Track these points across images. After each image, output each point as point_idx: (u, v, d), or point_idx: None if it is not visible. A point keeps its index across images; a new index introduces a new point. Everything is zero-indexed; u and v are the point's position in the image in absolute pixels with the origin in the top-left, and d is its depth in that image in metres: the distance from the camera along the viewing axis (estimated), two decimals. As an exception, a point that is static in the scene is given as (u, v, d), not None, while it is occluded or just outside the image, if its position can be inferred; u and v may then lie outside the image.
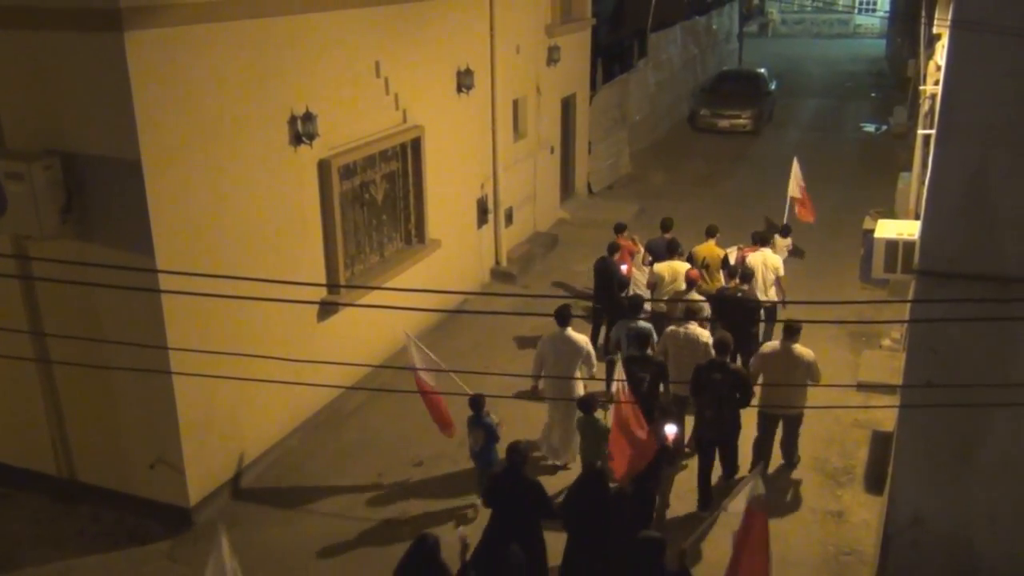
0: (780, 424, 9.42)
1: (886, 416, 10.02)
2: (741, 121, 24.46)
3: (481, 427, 8.60)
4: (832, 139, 24.12)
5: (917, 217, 10.54)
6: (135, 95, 7.63)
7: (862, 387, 11.10)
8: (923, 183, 9.30)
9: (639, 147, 22.34)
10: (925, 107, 12.57)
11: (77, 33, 7.63)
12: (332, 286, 10.39)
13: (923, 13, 14.54)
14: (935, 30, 11.94)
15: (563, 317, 9.44)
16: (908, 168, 14.22)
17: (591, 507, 7.17)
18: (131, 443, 8.80)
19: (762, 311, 11.10)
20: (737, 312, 10.20)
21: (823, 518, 9.00)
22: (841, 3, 44.94)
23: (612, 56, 22.76)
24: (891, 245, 8.77)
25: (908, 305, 8.54)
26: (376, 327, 11.40)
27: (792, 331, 9.10)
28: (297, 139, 9.64)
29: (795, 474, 9.62)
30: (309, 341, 10.15)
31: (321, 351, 10.24)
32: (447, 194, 12.93)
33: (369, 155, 11.06)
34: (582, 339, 9.51)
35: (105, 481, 9.06)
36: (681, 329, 9.56)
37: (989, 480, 6.90)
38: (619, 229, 12.78)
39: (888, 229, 9.15)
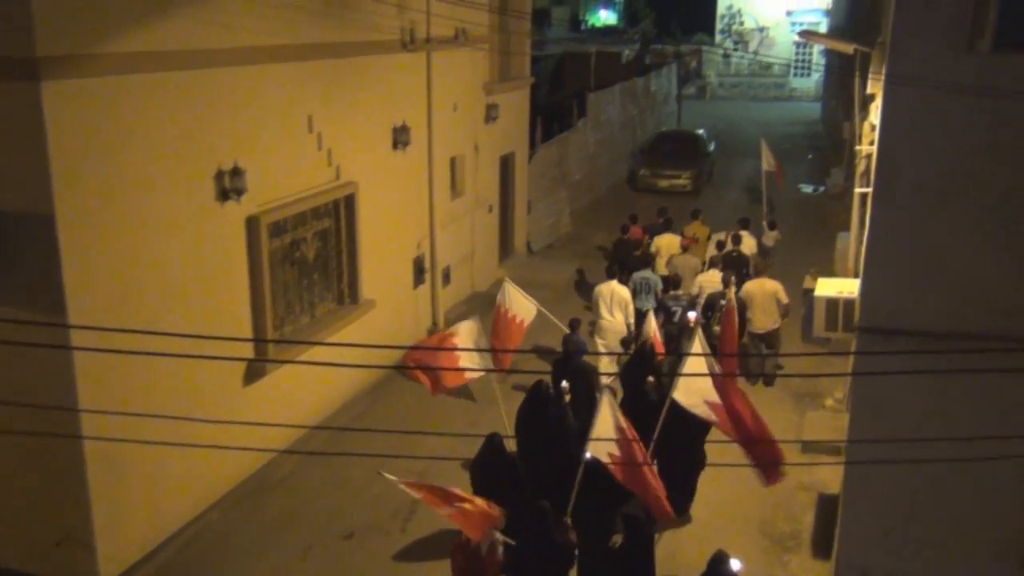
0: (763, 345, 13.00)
1: (832, 479, 10.08)
2: (681, 181, 24.90)
3: (575, 342, 11.18)
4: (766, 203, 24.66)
5: (856, 276, 10.77)
6: (51, 148, 7.50)
7: (806, 447, 11.17)
8: (861, 242, 9.53)
9: (579, 206, 22.59)
10: (861, 167, 12.96)
11: (-10, 82, 7.46)
12: (256, 340, 10.18)
13: (857, 75, 15.09)
14: (869, 90, 12.39)
15: (611, 272, 13.01)
16: (846, 228, 14.58)
17: (643, 375, 10.01)
18: (35, 517, 8.40)
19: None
20: (735, 263, 14.46)
21: (771, 585, 8.95)
22: (776, 68, 46.47)
23: (551, 115, 23.12)
24: (832, 303, 8.93)
25: (852, 364, 8.68)
26: (306, 392, 11.16)
27: (759, 270, 13.44)
28: (224, 195, 9.51)
29: (742, 540, 9.58)
30: (235, 406, 9.88)
31: (248, 417, 9.96)
32: (382, 253, 12.85)
33: (300, 212, 10.96)
34: (624, 290, 12.75)
35: (5, 559, 8.60)
36: (709, 274, 13.71)
37: (936, 539, 6.94)
38: (633, 220, 16.72)
39: (828, 287, 9.33)
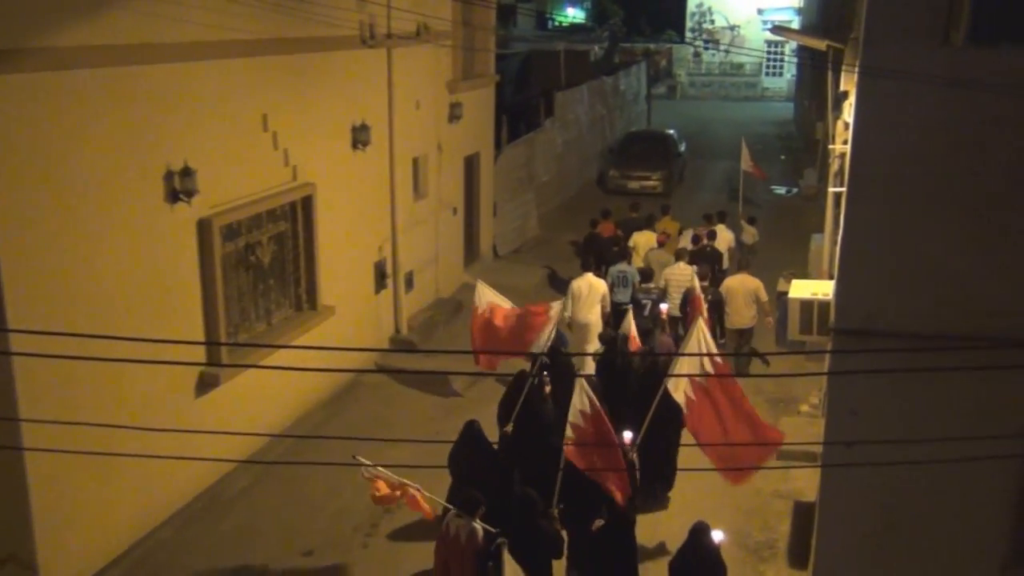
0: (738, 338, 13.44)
1: (807, 486, 10.11)
2: (651, 183, 24.98)
3: (558, 336, 11.54)
4: (743, 201, 24.86)
5: (831, 277, 10.83)
6: (-12, 146, 7.32)
7: (782, 454, 11.17)
8: (835, 243, 9.58)
9: (547, 209, 22.59)
10: (835, 166, 13.05)
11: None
12: (208, 343, 10.04)
13: (829, 72, 15.23)
14: (842, 88, 12.48)
15: (587, 264, 13.60)
16: (819, 230, 14.69)
17: (616, 366, 10.63)
18: (-25, 538, 8.20)
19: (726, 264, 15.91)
20: (708, 258, 14.93)
21: (746, 596, 8.96)
22: (748, 67, 46.90)
23: (518, 115, 23.11)
24: (806, 305, 8.95)
25: (827, 368, 8.71)
26: (262, 403, 11.02)
27: (742, 266, 14.15)
28: (174, 196, 9.37)
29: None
30: (187, 418, 9.70)
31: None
32: (342, 257, 12.73)
33: (255, 214, 10.83)
34: (600, 283, 13.11)
35: (-57, 584, 8.41)
36: (675, 268, 13.92)
37: (916, 545, 6.97)
38: (605, 215, 17.46)
39: (802, 289, 9.35)
